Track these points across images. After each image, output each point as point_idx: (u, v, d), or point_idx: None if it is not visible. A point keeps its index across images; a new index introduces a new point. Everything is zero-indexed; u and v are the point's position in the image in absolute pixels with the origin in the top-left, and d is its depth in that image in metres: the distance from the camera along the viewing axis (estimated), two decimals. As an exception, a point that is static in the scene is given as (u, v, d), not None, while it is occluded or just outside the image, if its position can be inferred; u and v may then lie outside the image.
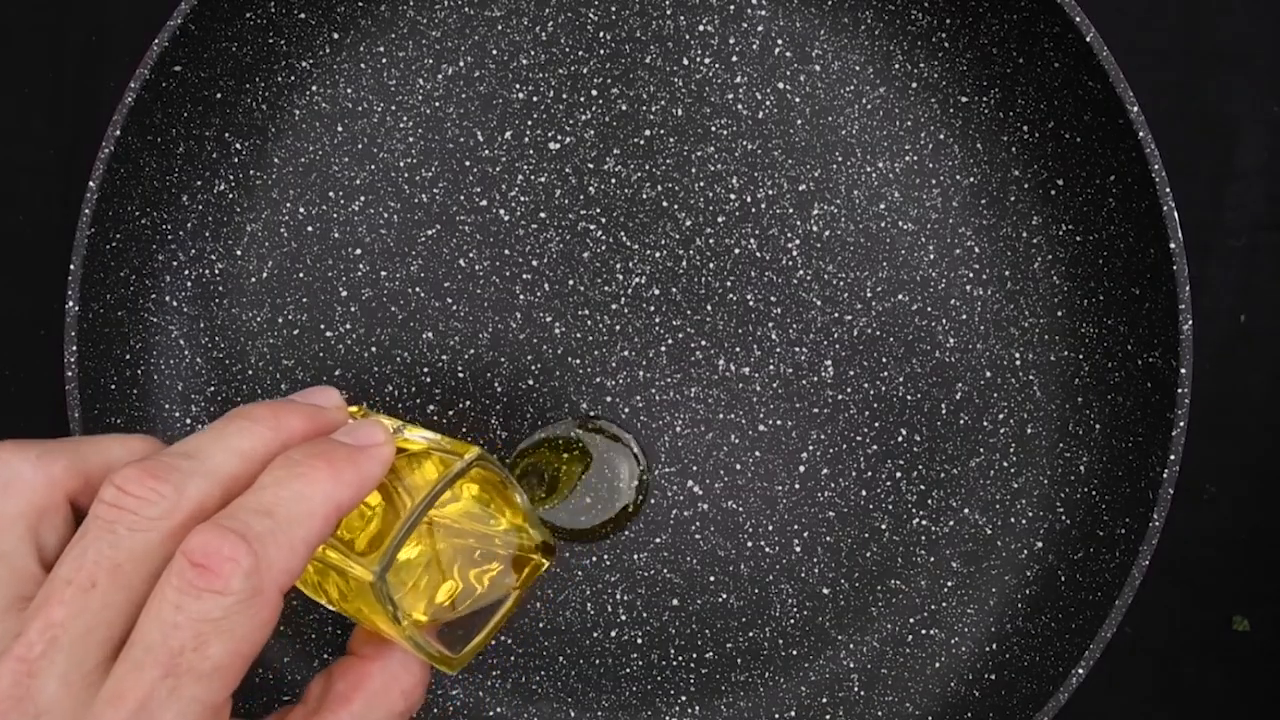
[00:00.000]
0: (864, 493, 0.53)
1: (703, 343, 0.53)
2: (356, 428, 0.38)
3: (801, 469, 0.53)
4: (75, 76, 0.58)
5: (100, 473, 0.35)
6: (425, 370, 0.54)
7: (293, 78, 0.53)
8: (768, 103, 0.53)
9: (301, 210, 0.54)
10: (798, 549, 0.53)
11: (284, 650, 0.54)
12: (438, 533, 0.41)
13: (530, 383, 0.53)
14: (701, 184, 0.53)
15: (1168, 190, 0.48)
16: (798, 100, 0.53)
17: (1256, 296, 0.56)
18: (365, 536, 0.37)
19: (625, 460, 0.52)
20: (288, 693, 0.53)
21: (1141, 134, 0.48)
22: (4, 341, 0.58)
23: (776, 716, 0.54)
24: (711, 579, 0.53)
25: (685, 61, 0.53)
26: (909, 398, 0.53)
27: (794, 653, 0.54)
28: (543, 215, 0.53)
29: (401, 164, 0.54)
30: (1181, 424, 0.48)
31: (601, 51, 0.53)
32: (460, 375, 0.54)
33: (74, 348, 0.49)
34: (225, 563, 0.31)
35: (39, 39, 0.58)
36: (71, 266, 0.49)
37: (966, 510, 0.53)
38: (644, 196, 0.53)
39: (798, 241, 0.53)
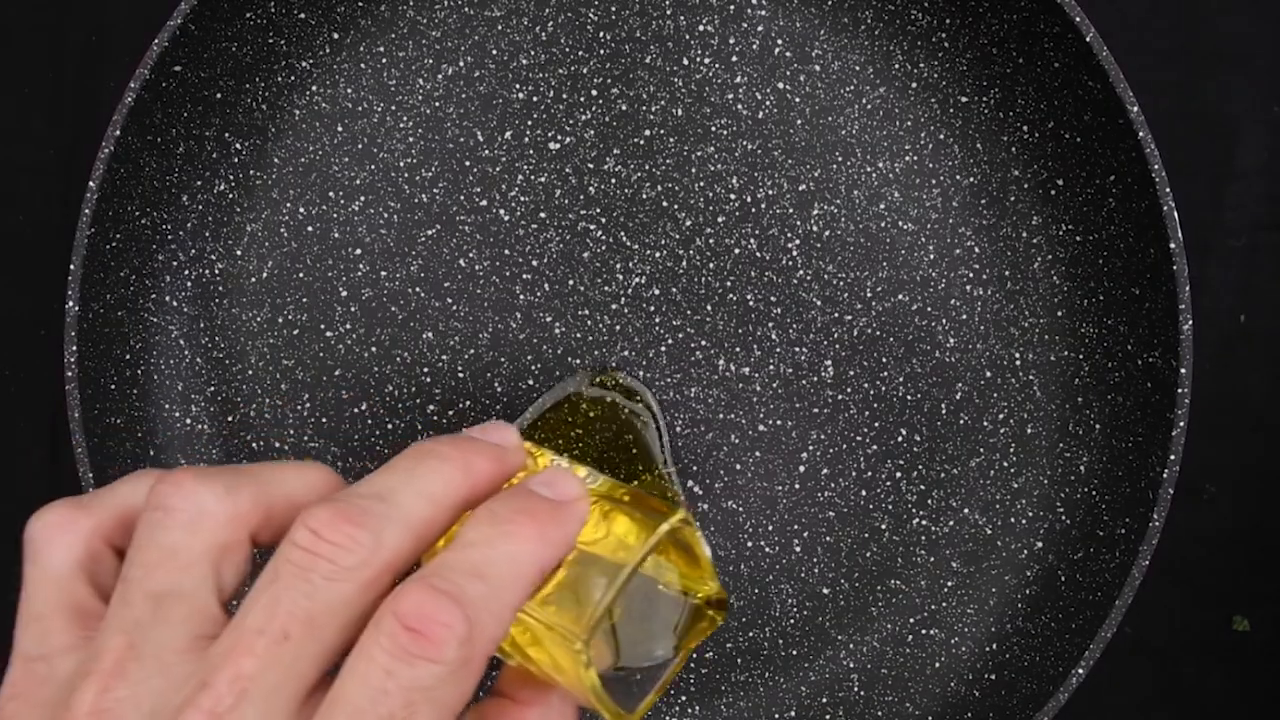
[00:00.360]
0: (864, 493, 0.53)
1: (703, 343, 0.53)
2: (554, 480, 0.35)
3: (801, 469, 0.53)
4: (75, 76, 0.58)
5: (283, 507, 0.33)
6: (425, 370, 0.54)
7: (293, 78, 0.53)
8: (768, 103, 0.53)
9: (301, 210, 0.54)
10: (798, 549, 0.53)
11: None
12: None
13: (530, 383, 0.53)
14: (701, 184, 0.53)
15: (1168, 190, 0.48)
16: (798, 100, 0.53)
17: (1256, 296, 0.56)
18: (552, 584, 0.36)
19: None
20: None
21: (1141, 134, 0.48)
22: (4, 341, 0.58)
23: (776, 716, 0.54)
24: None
25: (685, 61, 0.53)
26: (909, 398, 0.53)
27: (794, 653, 0.54)
28: (543, 215, 0.53)
29: (401, 164, 0.54)
30: (1181, 424, 0.48)
31: (601, 51, 0.53)
32: (460, 375, 0.54)
33: (74, 348, 0.49)
34: (441, 629, 0.29)
35: (39, 39, 0.58)
36: (71, 266, 0.49)
37: (966, 510, 0.53)
38: (644, 196, 0.53)
39: (798, 241, 0.53)
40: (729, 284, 0.53)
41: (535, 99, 0.53)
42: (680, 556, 0.39)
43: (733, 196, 0.53)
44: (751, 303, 0.53)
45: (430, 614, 0.29)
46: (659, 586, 0.40)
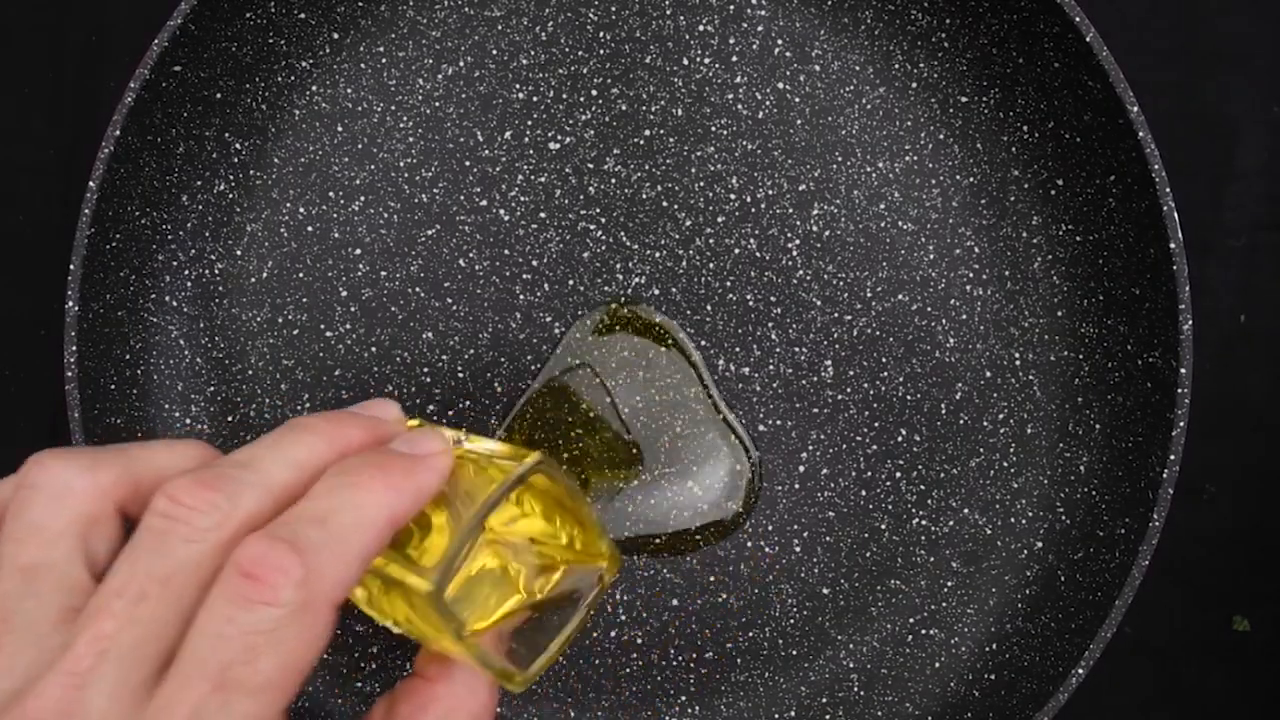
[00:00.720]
0: (864, 493, 0.53)
1: (702, 342, 0.53)
2: (414, 437, 0.37)
3: (801, 469, 0.53)
4: (75, 76, 0.58)
5: (152, 481, 0.34)
6: (425, 370, 0.54)
7: (293, 78, 0.53)
8: (768, 103, 0.53)
9: (301, 210, 0.54)
10: (797, 549, 0.53)
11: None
12: (504, 551, 0.40)
13: (530, 382, 0.53)
14: (701, 184, 0.53)
15: (1168, 190, 0.48)
16: (798, 100, 0.53)
17: (1256, 296, 0.56)
18: (433, 554, 0.36)
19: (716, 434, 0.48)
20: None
21: (1141, 134, 0.48)
22: (4, 341, 0.58)
23: (776, 716, 0.54)
24: (711, 579, 0.53)
25: (685, 61, 0.53)
26: (909, 398, 0.53)
27: (794, 653, 0.54)
28: (543, 215, 0.53)
29: (401, 164, 0.54)
30: (1182, 424, 0.48)
31: (601, 51, 0.53)
32: (460, 375, 0.54)
33: (74, 348, 0.49)
34: (275, 573, 0.30)
35: (39, 39, 0.58)
36: (71, 266, 0.49)
37: (966, 510, 0.53)
38: (644, 196, 0.53)
39: (798, 241, 0.53)
40: (729, 284, 0.53)
41: (535, 99, 0.53)
42: (568, 517, 0.40)
43: (733, 196, 0.53)
44: (751, 303, 0.53)
45: (264, 558, 0.30)
46: (551, 544, 0.40)
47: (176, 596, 0.30)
